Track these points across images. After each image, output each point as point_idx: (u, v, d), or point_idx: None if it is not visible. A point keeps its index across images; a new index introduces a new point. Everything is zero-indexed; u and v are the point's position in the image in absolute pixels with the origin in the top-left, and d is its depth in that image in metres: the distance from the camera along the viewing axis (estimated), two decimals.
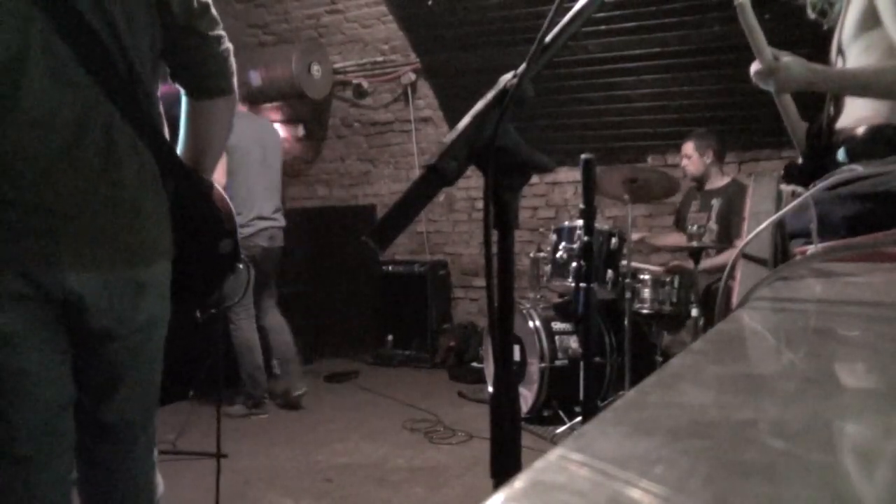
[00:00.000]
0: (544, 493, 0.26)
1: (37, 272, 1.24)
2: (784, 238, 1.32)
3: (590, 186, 1.61)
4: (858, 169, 1.27)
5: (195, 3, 1.38)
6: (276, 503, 2.72)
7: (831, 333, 0.60)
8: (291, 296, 5.18)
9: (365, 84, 5.53)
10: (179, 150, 1.50)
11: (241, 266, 1.55)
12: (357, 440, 3.43)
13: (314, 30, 5.55)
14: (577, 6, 0.77)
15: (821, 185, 1.18)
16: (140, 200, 1.33)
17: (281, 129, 6.07)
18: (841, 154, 1.73)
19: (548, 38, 0.75)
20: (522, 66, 0.73)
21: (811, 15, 1.85)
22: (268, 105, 5.88)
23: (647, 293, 3.53)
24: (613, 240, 3.49)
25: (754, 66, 1.70)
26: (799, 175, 1.88)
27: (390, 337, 5.21)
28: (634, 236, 3.72)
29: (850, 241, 1.04)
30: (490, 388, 0.77)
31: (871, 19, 1.62)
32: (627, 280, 3.46)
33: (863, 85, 1.65)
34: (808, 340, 0.58)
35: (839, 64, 1.76)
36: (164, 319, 1.45)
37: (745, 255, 0.86)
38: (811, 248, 1.00)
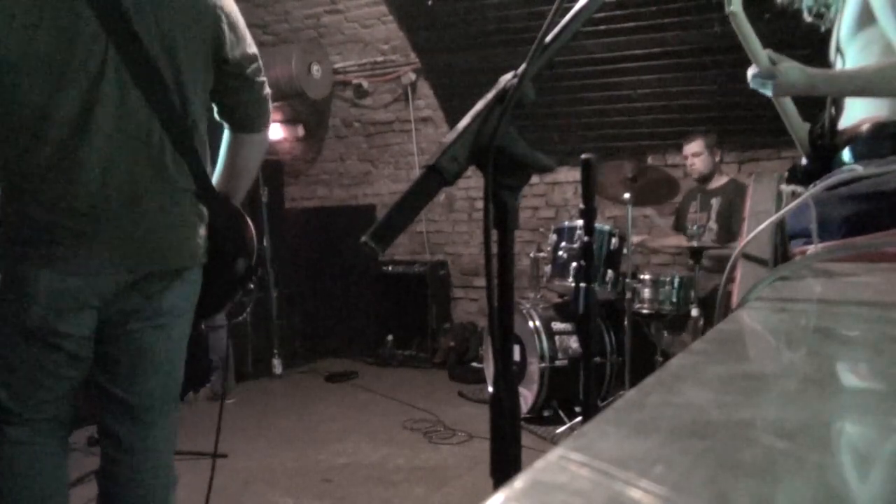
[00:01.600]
0: (544, 493, 0.26)
1: (97, 277, 1.45)
2: (784, 238, 1.32)
3: (590, 186, 1.61)
4: (858, 169, 1.27)
5: (248, 52, 1.62)
6: (276, 503, 2.73)
7: (831, 333, 0.60)
8: (291, 296, 5.19)
9: (365, 84, 5.53)
10: (217, 174, 1.72)
11: (252, 286, 1.72)
12: (357, 440, 3.43)
13: (314, 30, 5.55)
14: (577, 6, 0.77)
15: (821, 185, 1.18)
16: (181, 219, 1.54)
17: (281, 129, 6.08)
18: (846, 154, 1.73)
19: (548, 38, 0.75)
20: (522, 66, 0.73)
21: (808, 18, 1.85)
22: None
23: (647, 293, 3.53)
24: (613, 240, 3.49)
25: (751, 71, 1.70)
26: (804, 176, 1.88)
27: (390, 337, 5.21)
28: (634, 239, 3.72)
29: (850, 241, 1.04)
30: (490, 388, 0.77)
31: (867, 17, 1.62)
32: (627, 280, 3.46)
33: (861, 85, 1.65)
34: (808, 340, 0.58)
35: (838, 63, 1.76)
36: (187, 314, 1.62)
37: (745, 255, 0.86)
38: (811, 248, 1.00)
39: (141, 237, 1.49)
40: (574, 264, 3.42)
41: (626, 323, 3.44)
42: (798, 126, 1.95)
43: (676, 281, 3.47)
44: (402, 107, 5.51)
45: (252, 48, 1.64)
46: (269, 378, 4.76)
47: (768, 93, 1.70)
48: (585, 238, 1.69)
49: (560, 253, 3.54)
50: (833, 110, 1.80)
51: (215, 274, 1.65)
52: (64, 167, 1.41)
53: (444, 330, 5.11)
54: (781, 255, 1.26)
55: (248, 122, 1.70)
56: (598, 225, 3.41)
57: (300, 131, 5.99)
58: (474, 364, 4.53)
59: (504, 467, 0.76)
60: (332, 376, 4.74)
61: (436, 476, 2.94)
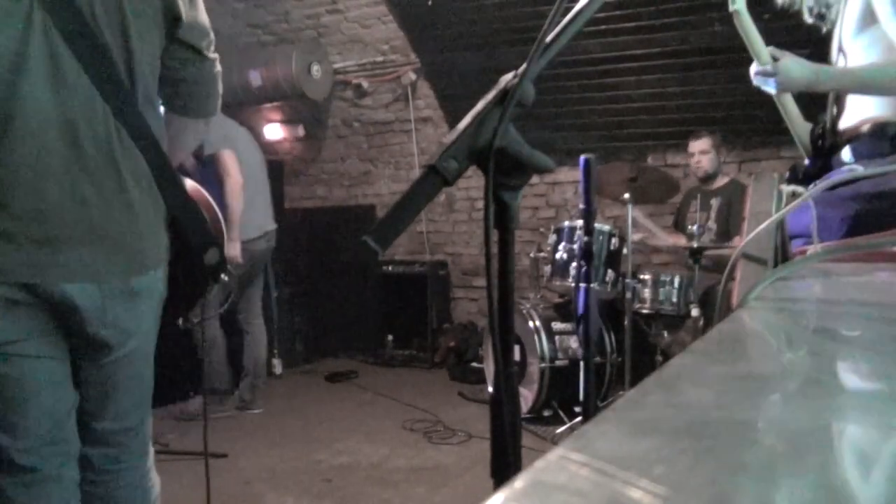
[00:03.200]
0: (544, 493, 0.26)
1: (34, 281, 1.23)
2: (784, 238, 1.32)
3: (590, 186, 1.61)
4: (859, 169, 1.27)
5: (201, 20, 1.40)
6: (276, 503, 2.73)
7: (831, 333, 0.60)
8: (291, 296, 5.18)
9: (365, 84, 5.53)
10: None
11: (225, 277, 1.53)
12: (357, 440, 3.43)
13: (314, 30, 5.55)
14: (578, 6, 0.77)
15: (821, 185, 1.18)
16: (137, 209, 1.32)
17: (281, 129, 6.08)
18: (847, 154, 1.73)
19: (549, 38, 0.75)
20: (523, 66, 0.73)
21: (808, 19, 1.85)
22: (268, 105, 5.88)
23: (647, 293, 3.53)
24: (613, 240, 3.49)
25: (754, 68, 1.70)
26: (804, 176, 1.88)
27: (390, 337, 5.21)
28: (635, 237, 3.72)
29: (850, 241, 1.04)
30: (490, 388, 0.77)
31: (870, 17, 1.62)
32: (627, 280, 3.46)
33: (863, 82, 1.65)
34: (808, 340, 0.58)
35: (841, 63, 1.76)
36: (156, 327, 1.46)
37: (745, 255, 0.86)
38: (811, 248, 1.00)
39: (95, 239, 1.27)
40: (574, 264, 3.42)
41: (626, 323, 3.44)
42: (800, 126, 1.95)
43: (676, 281, 3.47)
44: (402, 107, 5.50)
45: (206, 20, 1.42)
46: (269, 378, 4.76)
47: (771, 90, 1.70)
48: (585, 238, 1.69)
49: (560, 253, 3.53)
50: (834, 110, 1.80)
51: (186, 269, 1.47)
52: None
53: (444, 330, 5.11)
54: (781, 255, 1.26)
55: (189, 103, 1.47)
56: (598, 225, 3.41)
57: (300, 131, 5.99)
58: (474, 364, 4.53)
59: (504, 467, 0.76)
60: (332, 376, 4.74)
61: (436, 476, 2.94)
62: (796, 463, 0.30)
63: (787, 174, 1.90)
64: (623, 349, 3.49)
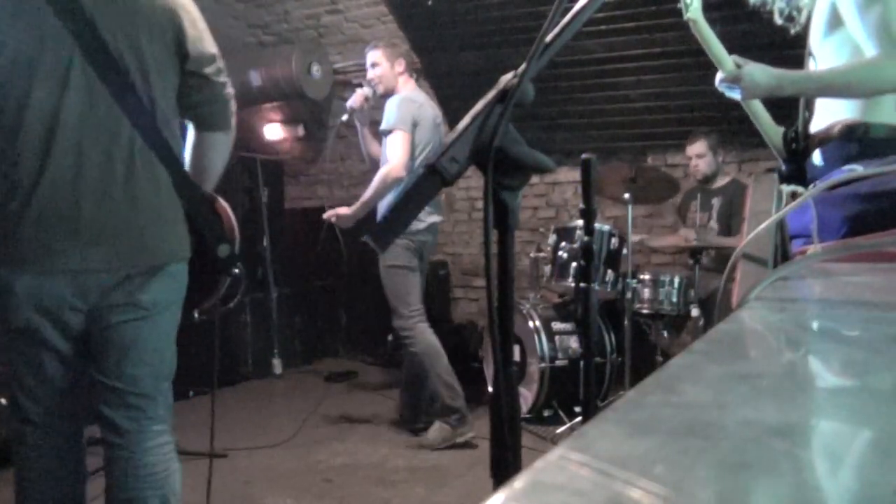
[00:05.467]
0: (544, 493, 0.26)
1: (76, 275, 1.54)
2: (784, 238, 1.32)
3: (590, 186, 1.60)
4: (858, 169, 1.27)
5: (207, 51, 1.69)
6: (276, 503, 2.73)
7: (831, 333, 0.60)
8: (291, 296, 5.18)
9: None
10: None
11: (237, 271, 1.75)
12: (357, 440, 3.43)
13: (314, 30, 5.55)
14: (578, 6, 0.77)
15: (821, 185, 1.18)
16: (158, 210, 1.62)
17: (281, 130, 6.07)
18: (817, 157, 1.74)
19: (548, 38, 0.75)
20: (523, 66, 0.73)
21: (778, 21, 1.87)
22: (268, 105, 5.88)
23: (647, 293, 3.53)
24: (613, 240, 3.49)
25: (719, 76, 1.72)
26: (781, 180, 1.89)
27: (390, 337, 5.21)
28: (634, 238, 3.72)
29: (850, 241, 1.04)
30: (490, 388, 0.77)
31: (837, 20, 1.63)
32: (627, 280, 3.46)
33: (826, 85, 1.67)
34: (808, 340, 0.58)
35: (811, 65, 1.77)
36: (173, 306, 1.70)
37: (745, 255, 0.86)
38: (811, 248, 1.00)
39: (118, 235, 1.56)
40: (574, 264, 3.42)
41: (626, 323, 3.44)
42: (771, 129, 1.97)
43: (676, 281, 3.47)
44: None
45: (212, 48, 1.70)
46: (269, 378, 4.76)
47: (736, 96, 1.73)
48: (585, 238, 1.69)
49: (560, 253, 3.53)
50: (806, 113, 1.81)
51: (200, 263, 1.72)
52: (36, 168, 1.49)
53: (445, 330, 5.11)
54: (781, 255, 1.26)
55: (208, 121, 1.76)
56: (598, 225, 3.41)
57: (300, 131, 5.99)
58: (474, 364, 4.53)
59: (504, 467, 0.76)
60: (332, 376, 4.74)
61: (436, 476, 2.94)
62: (796, 463, 0.30)
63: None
64: (623, 349, 3.49)
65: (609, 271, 3.48)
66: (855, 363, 0.48)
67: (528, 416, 3.54)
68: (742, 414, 0.37)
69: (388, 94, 3.53)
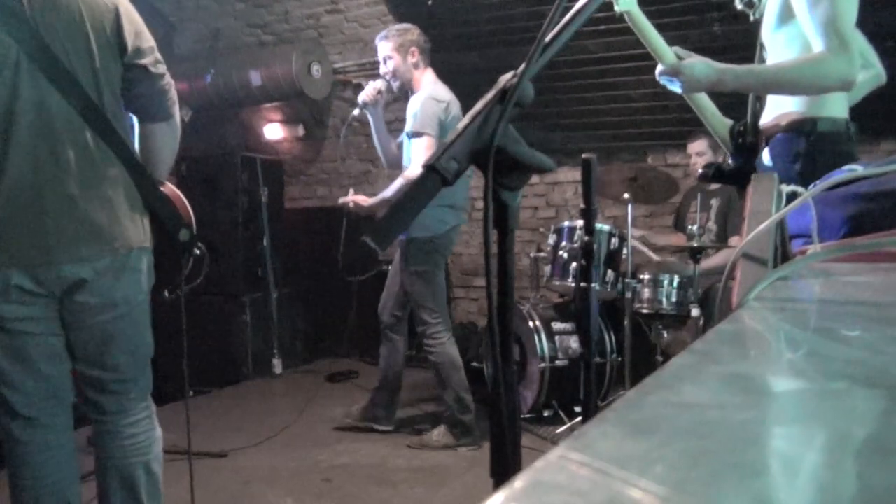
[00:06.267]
0: (544, 493, 0.26)
1: (37, 265, 1.61)
2: (784, 238, 1.32)
3: (590, 186, 1.60)
4: (858, 169, 1.27)
5: (144, 44, 1.76)
6: (276, 503, 2.72)
7: (831, 333, 0.60)
8: (291, 296, 5.18)
9: (365, 84, 5.52)
10: None
11: (197, 252, 1.91)
12: (357, 440, 3.43)
13: (314, 30, 5.55)
14: (577, 6, 0.77)
15: (821, 185, 1.18)
16: (115, 201, 1.70)
17: (281, 129, 6.08)
18: (766, 157, 1.73)
19: (548, 38, 0.75)
20: (522, 66, 0.73)
21: (738, 6, 1.85)
22: (268, 105, 5.88)
23: (647, 293, 3.53)
24: (613, 240, 3.49)
25: (658, 69, 1.70)
26: (728, 175, 1.88)
27: None
28: (635, 234, 3.72)
29: (850, 241, 1.04)
30: (490, 388, 0.77)
31: (789, 12, 1.62)
32: (627, 280, 3.46)
33: (770, 82, 1.65)
34: (808, 340, 0.58)
35: (763, 56, 1.76)
36: (141, 296, 1.80)
37: (745, 255, 0.86)
38: (811, 248, 1.00)
39: (78, 228, 1.64)
40: (574, 264, 3.42)
41: (626, 323, 3.44)
42: (718, 123, 1.94)
43: (676, 281, 3.47)
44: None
45: (149, 41, 1.78)
46: (270, 378, 4.76)
47: (677, 89, 1.70)
48: (585, 238, 1.69)
49: (560, 253, 3.53)
50: (756, 107, 1.79)
51: (162, 249, 1.86)
52: None
53: None
54: (781, 255, 1.26)
55: (150, 112, 1.82)
56: (598, 225, 3.41)
57: (300, 131, 5.99)
58: (474, 364, 4.53)
59: (504, 467, 0.76)
60: (332, 376, 4.74)
61: (436, 476, 2.94)
62: (796, 463, 0.30)
63: (700, 172, 1.91)
64: (623, 349, 3.49)
65: (609, 271, 3.48)
66: (855, 363, 0.48)
67: (528, 416, 3.54)
68: (742, 414, 0.37)
69: (407, 88, 3.37)
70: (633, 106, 4.54)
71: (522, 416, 3.53)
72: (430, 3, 4.55)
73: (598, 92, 4.57)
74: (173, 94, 1.86)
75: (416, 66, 3.32)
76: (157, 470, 1.87)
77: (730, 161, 1.88)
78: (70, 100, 1.61)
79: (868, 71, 1.78)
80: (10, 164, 1.58)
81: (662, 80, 1.69)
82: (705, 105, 1.93)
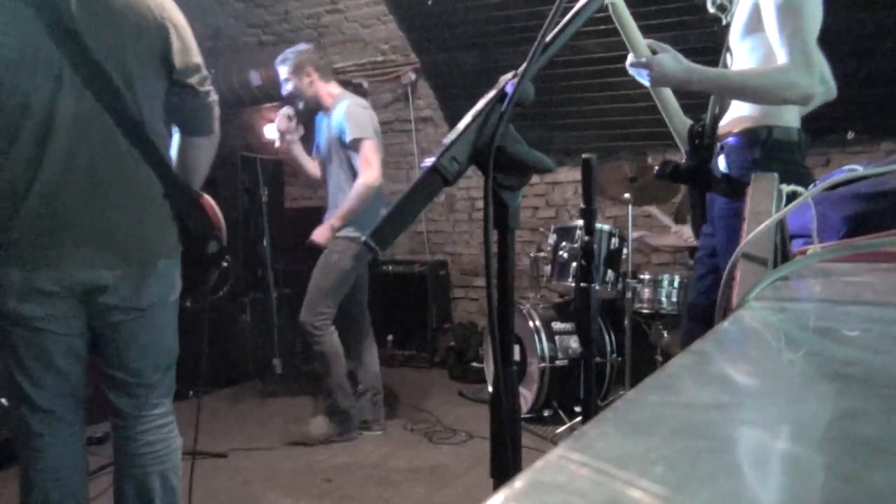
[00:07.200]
0: (544, 493, 0.26)
1: (64, 271, 1.63)
2: (784, 238, 1.32)
3: (590, 186, 1.61)
4: (858, 169, 1.27)
5: (193, 61, 1.78)
6: (276, 503, 2.72)
7: (831, 333, 0.60)
8: (291, 296, 5.18)
9: (365, 84, 5.53)
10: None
11: (225, 264, 1.91)
12: (357, 440, 3.43)
13: (314, 30, 5.55)
14: (577, 6, 0.77)
15: (821, 184, 1.18)
16: (145, 213, 1.72)
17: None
18: (722, 163, 1.76)
19: (548, 38, 0.75)
20: (523, 66, 0.73)
21: (711, 9, 1.89)
22: (268, 105, 5.87)
23: (647, 293, 3.53)
24: (613, 240, 3.49)
25: (629, 59, 1.73)
26: (683, 175, 1.91)
27: (390, 337, 5.21)
28: (634, 234, 3.72)
29: (850, 241, 1.04)
30: (490, 388, 0.77)
31: (757, 22, 1.65)
32: (627, 280, 3.46)
33: (732, 87, 1.71)
34: (808, 340, 0.58)
35: (728, 61, 1.79)
36: (166, 302, 1.81)
37: (745, 255, 0.86)
38: (811, 248, 1.00)
39: (107, 235, 1.66)
40: (574, 264, 3.42)
41: (626, 323, 3.44)
42: (678, 121, 1.98)
43: (676, 281, 3.47)
44: (402, 107, 5.50)
45: (197, 59, 1.81)
46: (269, 378, 4.76)
47: (645, 82, 1.73)
48: (585, 238, 1.69)
49: (560, 253, 3.53)
50: (717, 109, 1.82)
51: (190, 257, 1.85)
52: (31, 169, 1.59)
53: (444, 330, 5.11)
54: (781, 255, 1.26)
55: (194, 127, 1.87)
56: (598, 225, 3.41)
57: (300, 131, 5.98)
58: (474, 364, 4.53)
59: (504, 467, 0.76)
60: None
61: (436, 476, 2.94)
62: (796, 463, 0.30)
63: (657, 169, 1.94)
64: (623, 349, 3.49)
65: (609, 271, 3.48)
66: (855, 363, 0.48)
67: (528, 416, 3.55)
68: (742, 414, 0.37)
69: (315, 105, 3.48)
70: (633, 106, 4.53)
71: (522, 416, 3.53)
72: (430, 3, 4.55)
73: (598, 92, 4.56)
74: (217, 110, 1.89)
75: (312, 83, 3.42)
76: (175, 481, 1.86)
77: (682, 160, 1.92)
78: (109, 110, 1.63)
79: (823, 86, 1.82)
80: (43, 170, 1.59)
81: (632, 72, 1.74)
82: (669, 101, 1.98)
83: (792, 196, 1.12)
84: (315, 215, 5.83)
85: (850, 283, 0.83)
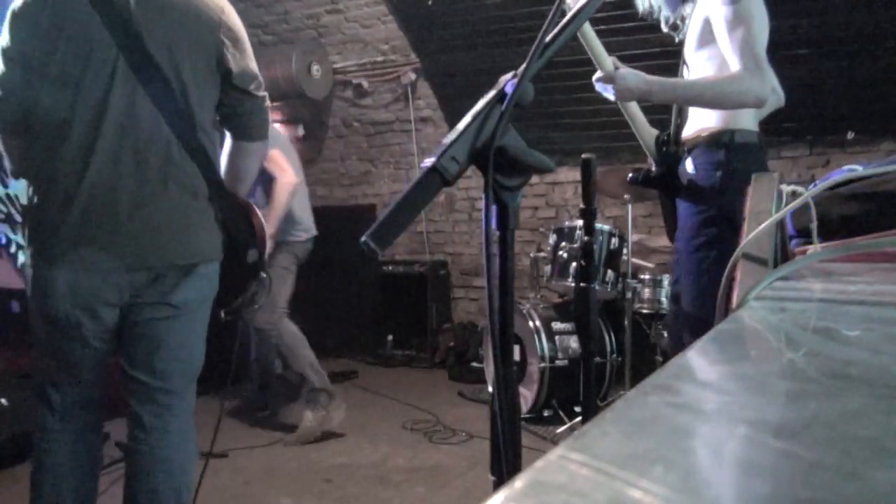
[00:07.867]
0: (544, 493, 0.26)
1: (107, 273, 1.62)
2: (784, 238, 1.32)
3: (590, 186, 1.61)
4: (858, 169, 1.27)
5: (250, 68, 1.78)
6: (276, 503, 2.72)
7: (831, 333, 0.60)
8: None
9: (365, 84, 5.53)
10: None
11: (263, 275, 1.88)
12: (357, 440, 3.43)
13: (314, 30, 5.55)
14: (578, 6, 0.77)
15: (821, 185, 1.18)
16: (190, 215, 1.70)
17: (281, 129, 6.07)
18: (689, 165, 1.87)
19: (548, 38, 0.75)
20: (523, 66, 0.73)
21: (665, 29, 2.04)
22: (267, 105, 5.88)
23: (647, 293, 3.53)
24: (613, 240, 3.49)
25: (596, 76, 1.84)
26: (653, 181, 2.05)
27: (390, 337, 5.21)
28: (634, 237, 3.72)
29: (850, 241, 1.04)
30: (490, 388, 0.77)
31: (709, 35, 1.78)
32: (627, 280, 3.46)
33: (693, 95, 1.84)
34: (808, 340, 0.58)
35: (685, 74, 1.90)
36: (203, 305, 1.78)
37: (745, 255, 0.86)
38: (811, 248, 1.00)
39: (152, 236, 1.65)
40: (574, 264, 3.42)
41: (626, 323, 3.44)
42: (646, 132, 2.14)
43: None
44: (402, 107, 5.50)
45: (254, 65, 1.80)
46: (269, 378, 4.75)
47: (610, 96, 1.86)
48: (585, 238, 1.69)
49: (560, 253, 3.53)
50: (679, 120, 1.94)
51: (229, 265, 1.83)
52: (79, 169, 1.58)
53: (444, 330, 5.11)
54: (781, 255, 1.26)
55: (248, 132, 1.84)
56: (598, 225, 3.41)
57: (300, 131, 5.99)
58: (474, 364, 4.53)
59: (504, 467, 0.76)
60: (332, 376, 4.72)
61: (436, 476, 2.94)
62: (796, 463, 0.30)
63: (630, 176, 2.07)
64: (623, 349, 3.49)
65: (609, 271, 3.48)
66: (855, 363, 0.48)
67: (528, 416, 3.55)
68: (742, 414, 0.37)
69: None
70: None
71: (522, 416, 3.53)
72: (430, 3, 4.55)
73: (597, 92, 4.56)
74: (269, 116, 1.88)
75: None
76: (186, 497, 1.81)
77: (652, 168, 2.06)
78: (161, 108, 1.62)
79: (773, 95, 1.95)
80: (93, 166, 1.58)
81: (598, 87, 1.88)
82: (636, 115, 2.12)
83: (792, 196, 1.12)
84: (315, 215, 5.84)
85: (850, 283, 0.83)
